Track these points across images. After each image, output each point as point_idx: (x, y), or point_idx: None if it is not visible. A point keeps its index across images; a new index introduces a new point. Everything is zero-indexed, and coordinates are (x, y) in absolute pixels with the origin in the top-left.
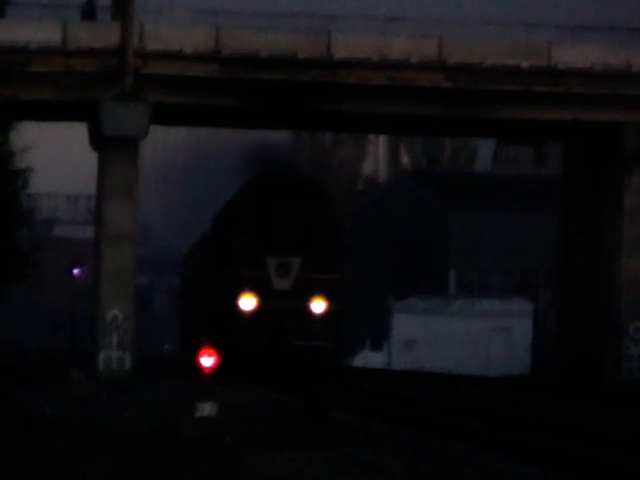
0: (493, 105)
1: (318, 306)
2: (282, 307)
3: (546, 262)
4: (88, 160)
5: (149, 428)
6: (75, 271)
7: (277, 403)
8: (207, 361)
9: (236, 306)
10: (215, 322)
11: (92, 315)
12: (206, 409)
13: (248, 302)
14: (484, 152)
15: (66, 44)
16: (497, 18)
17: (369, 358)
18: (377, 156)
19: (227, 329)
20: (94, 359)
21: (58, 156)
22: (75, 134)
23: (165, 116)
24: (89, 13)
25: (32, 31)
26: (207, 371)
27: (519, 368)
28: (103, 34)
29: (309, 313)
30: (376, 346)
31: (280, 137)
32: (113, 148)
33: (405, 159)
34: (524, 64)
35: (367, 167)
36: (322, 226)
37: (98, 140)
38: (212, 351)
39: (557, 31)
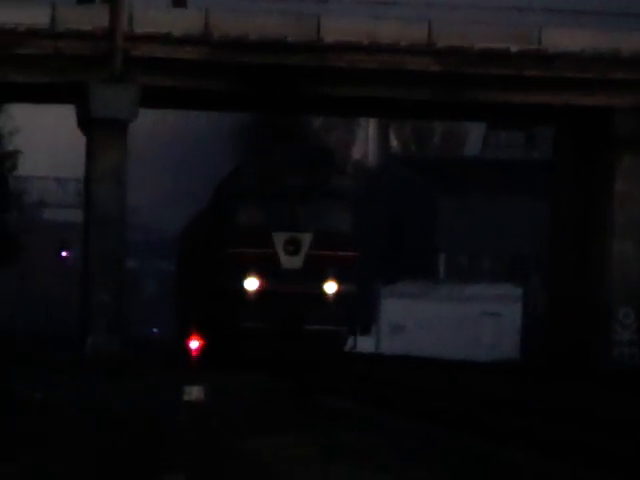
0: (482, 89)
1: (331, 287)
2: (291, 288)
3: (536, 247)
4: (77, 143)
5: (136, 412)
6: (64, 254)
7: (267, 388)
8: (195, 344)
9: (240, 287)
10: (216, 305)
11: (81, 299)
12: (194, 393)
13: (253, 283)
14: (474, 136)
15: (55, 26)
16: (487, 1)
17: (359, 342)
18: (367, 140)
19: (230, 313)
20: (83, 343)
21: (47, 139)
22: (64, 116)
23: (154, 99)
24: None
25: (21, 13)
26: (195, 354)
27: (508, 353)
28: (92, 16)
29: (321, 295)
30: (365, 330)
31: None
32: (102, 131)
33: (395, 143)
34: (514, 48)
35: (357, 151)
36: (335, 198)
37: (87, 123)
38: (199, 335)
39: (547, 15)
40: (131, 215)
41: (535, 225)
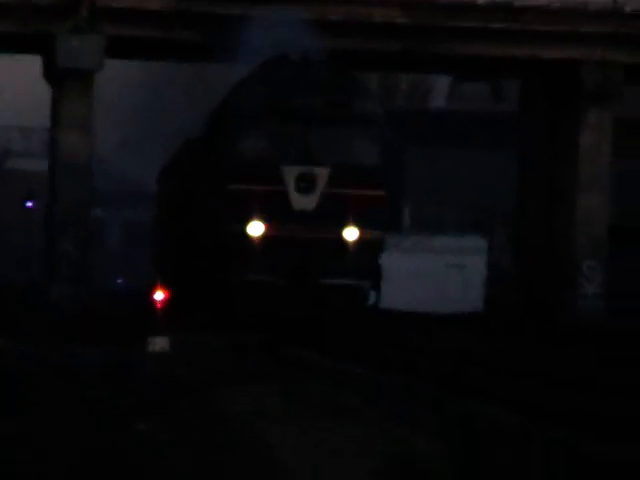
0: (450, 41)
1: (352, 233)
2: (304, 233)
3: (502, 200)
4: (41, 92)
5: (103, 363)
6: (29, 204)
7: (232, 340)
8: (159, 296)
9: (241, 232)
10: (211, 254)
11: (46, 249)
12: (159, 344)
13: (258, 227)
14: (439, 89)
15: None
16: None
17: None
18: None
19: (229, 263)
20: (47, 293)
21: (11, 88)
22: (29, 66)
23: (121, 49)
24: None
25: None
26: (160, 306)
27: (472, 306)
28: None
29: (340, 242)
30: None
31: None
32: (68, 80)
33: None
34: (481, 0)
35: None
36: (359, 124)
37: (53, 73)
38: (162, 288)
39: None
40: (97, 164)
41: (502, 178)
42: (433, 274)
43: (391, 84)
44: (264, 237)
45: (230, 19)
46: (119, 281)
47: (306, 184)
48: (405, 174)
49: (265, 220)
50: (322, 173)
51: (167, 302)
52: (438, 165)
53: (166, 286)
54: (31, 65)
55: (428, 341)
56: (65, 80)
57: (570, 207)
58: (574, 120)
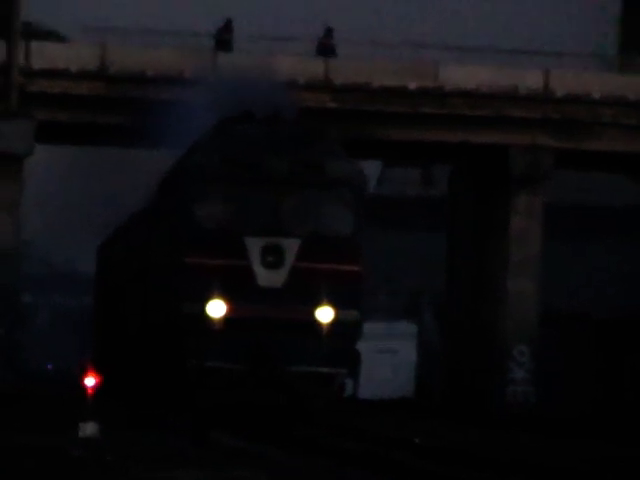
0: (380, 126)
1: (326, 313)
2: (270, 314)
3: (432, 284)
4: None
5: (34, 446)
6: None
7: (163, 424)
8: (90, 381)
9: (199, 313)
10: (161, 336)
11: None
12: (88, 429)
13: (218, 306)
14: (369, 173)
15: None
16: (385, 38)
17: None
18: None
19: (183, 348)
20: None
21: None
22: None
23: (52, 134)
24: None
25: None
26: (91, 392)
27: (403, 391)
28: None
29: (312, 324)
30: None
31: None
32: None
33: None
34: (411, 85)
35: None
36: (333, 190)
37: None
38: (94, 372)
39: (444, 52)
40: (25, 249)
41: (432, 262)
42: (363, 360)
43: None
44: (225, 318)
45: (159, 103)
46: (49, 366)
47: (273, 258)
48: None
49: (226, 299)
50: (291, 245)
51: (98, 387)
52: (369, 250)
53: (99, 370)
54: None
55: (362, 426)
56: None
57: (500, 291)
58: (504, 204)
